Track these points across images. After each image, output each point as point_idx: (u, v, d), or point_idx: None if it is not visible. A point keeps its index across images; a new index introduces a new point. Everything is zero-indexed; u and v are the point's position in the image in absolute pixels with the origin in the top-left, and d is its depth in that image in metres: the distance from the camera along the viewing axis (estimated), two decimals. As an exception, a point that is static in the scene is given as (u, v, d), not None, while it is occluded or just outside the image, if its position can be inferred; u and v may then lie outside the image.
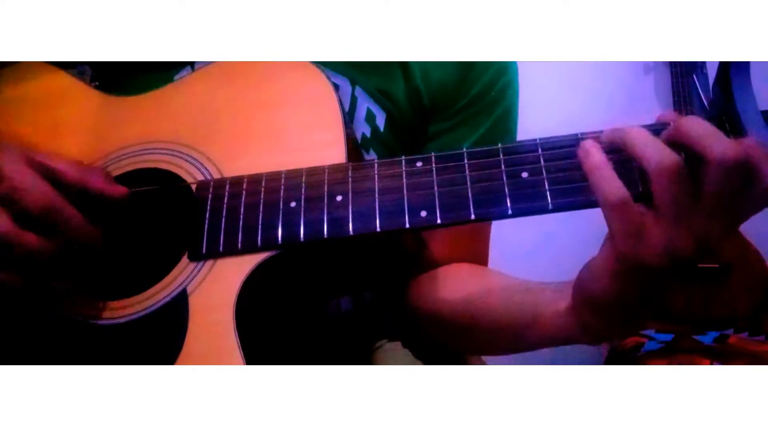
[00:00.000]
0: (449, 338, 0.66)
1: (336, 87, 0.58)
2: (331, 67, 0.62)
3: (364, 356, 0.71)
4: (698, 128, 0.41)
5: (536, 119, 1.01)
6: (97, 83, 0.64)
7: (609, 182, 0.41)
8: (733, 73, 0.43)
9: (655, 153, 0.41)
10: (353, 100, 0.65)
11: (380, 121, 0.66)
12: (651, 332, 1.53)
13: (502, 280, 0.62)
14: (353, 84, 0.65)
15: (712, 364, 1.38)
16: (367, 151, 0.65)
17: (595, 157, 0.42)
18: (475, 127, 0.69)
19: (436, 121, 0.69)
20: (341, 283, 0.67)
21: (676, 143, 0.41)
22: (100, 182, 0.53)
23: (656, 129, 0.44)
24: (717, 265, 1.57)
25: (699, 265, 1.58)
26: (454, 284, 0.64)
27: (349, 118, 0.62)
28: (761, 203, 0.41)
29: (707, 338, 1.50)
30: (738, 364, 1.37)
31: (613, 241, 0.43)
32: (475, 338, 0.62)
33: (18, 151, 0.50)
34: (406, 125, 0.67)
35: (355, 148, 0.57)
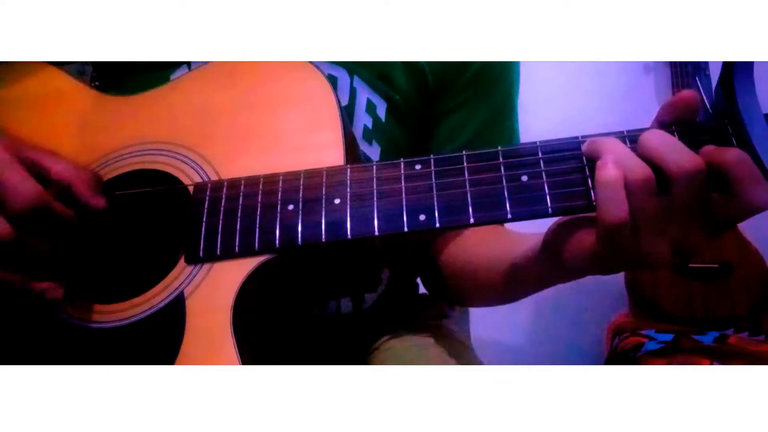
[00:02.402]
0: (459, 286, 0.68)
1: (334, 80, 0.57)
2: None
3: (364, 357, 0.71)
4: (657, 142, 0.42)
5: (536, 119, 1.01)
6: (97, 83, 0.64)
7: (614, 203, 0.41)
8: (736, 76, 0.43)
9: (626, 166, 0.41)
10: (352, 92, 0.65)
11: (381, 111, 0.66)
12: (651, 332, 1.53)
13: (504, 236, 0.66)
14: (351, 74, 0.65)
15: (712, 364, 1.38)
16: (370, 143, 0.65)
17: (610, 172, 0.42)
18: (481, 104, 0.69)
19: (442, 100, 0.69)
20: (339, 285, 0.66)
21: (643, 157, 0.42)
22: (85, 189, 0.52)
23: (634, 136, 0.44)
24: (717, 265, 1.57)
25: (699, 265, 1.58)
26: (467, 243, 0.68)
27: (349, 112, 0.62)
28: (741, 210, 0.41)
29: (707, 338, 1.50)
30: (738, 364, 1.37)
31: (597, 244, 0.44)
32: (474, 285, 0.65)
33: (6, 145, 0.50)
34: (408, 110, 0.67)
35: (353, 148, 0.57)
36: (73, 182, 0.52)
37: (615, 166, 0.42)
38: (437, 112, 0.69)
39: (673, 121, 0.45)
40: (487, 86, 0.69)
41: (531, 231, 0.55)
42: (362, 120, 0.65)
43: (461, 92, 0.69)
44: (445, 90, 0.68)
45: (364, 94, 0.65)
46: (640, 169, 0.41)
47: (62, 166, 0.52)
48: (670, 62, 1.69)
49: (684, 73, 1.64)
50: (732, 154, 0.41)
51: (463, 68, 0.68)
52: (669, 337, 1.50)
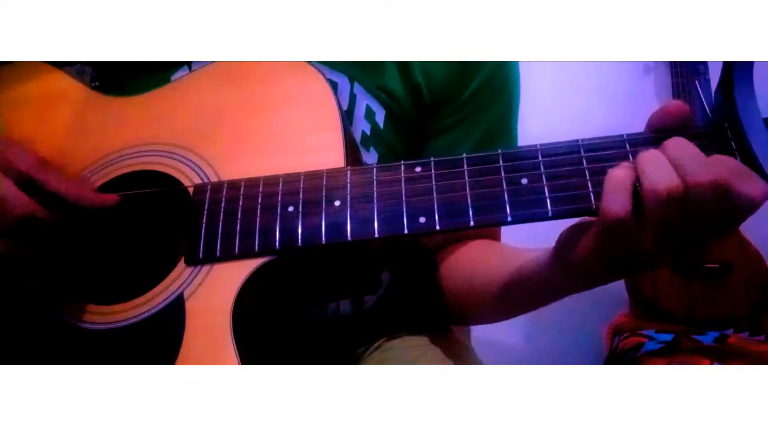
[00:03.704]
0: (459, 302, 0.68)
1: (334, 85, 0.57)
2: (329, 65, 0.62)
3: (363, 357, 0.71)
4: (677, 151, 0.42)
5: (536, 119, 1.01)
6: (97, 83, 0.64)
7: (615, 197, 0.42)
8: (735, 80, 0.43)
9: (655, 175, 0.41)
10: (352, 98, 0.65)
11: (380, 117, 0.66)
12: (651, 332, 1.53)
13: (501, 249, 0.66)
14: (352, 81, 0.65)
15: (712, 364, 1.38)
16: (368, 149, 0.65)
17: (621, 171, 0.43)
18: (477, 124, 0.69)
19: (438, 117, 0.69)
20: (339, 287, 0.66)
21: None
22: (89, 193, 0.54)
23: (633, 140, 0.45)
24: (717, 265, 1.57)
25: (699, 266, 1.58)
26: (467, 258, 0.68)
27: (348, 118, 0.62)
28: (736, 217, 0.42)
29: (707, 338, 1.50)
30: (738, 364, 1.37)
31: (596, 238, 0.44)
32: (475, 301, 0.65)
33: None
34: (407, 121, 0.67)
35: (353, 150, 0.57)
36: (73, 193, 0.53)
37: (627, 167, 0.42)
38: (432, 129, 0.69)
39: (663, 129, 0.45)
40: (483, 107, 0.69)
41: (530, 240, 0.56)
42: (361, 126, 0.65)
43: (457, 111, 0.68)
44: (440, 107, 0.68)
45: (363, 101, 0.65)
46: (666, 178, 0.41)
47: (57, 178, 0.52)
48: (670, 62, 1.69)
49: (684, 73, 1.65)
50: (714, 159, 0.41)
51: (459, 88, 0.68)
52: (669, 337, 1.50)
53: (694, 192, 0.41)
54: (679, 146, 0.43)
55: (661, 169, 0.42)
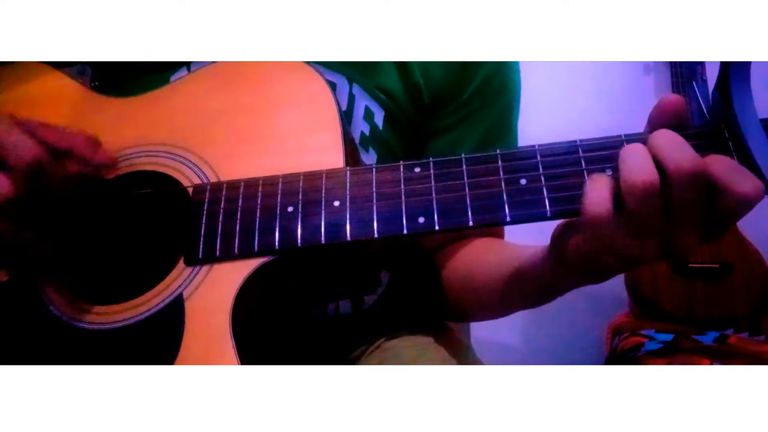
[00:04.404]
0: (460, 298, 0.69)
1: (333, 86, 0.57)
2: (328, 66, 0.62)
3: (363, 357, 0.71)
4: (661, 141, 0.42)
5: (536, 119, 1.01)
6: (96, 83, 0.64)
7: (593, 195, 0.42)
8: (732, 80, 0.43)
9: (632, 168, 0.41)
10: (351, 99, 0.65)
11: (379, 118, 0.66)
12: (651, 332, 1.53)
13: (501, 246, 0.66)
14: (351, 82, 0.65)
15: (712, 364, 1.38)
16: (366, 150, 0.65)
17: (600, 173, 0.43)
18: (477, 124, 0.69)
19: (438, 117, 0.69)
20: (339, 287, 0.66)
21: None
22: (87, 148, 0.52)
23: (633, 141, 0.44)
24: (717, 265, 1.57)
25: (699, 265, 1.58)
26: (468, 255, 0.68)
27: (347, 118, 0.62)
28: (731, 216, 0.41)
29: (707, 338, 1.50)
30: (738, 364, 1.37)
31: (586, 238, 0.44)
32: (475, 298, 0.65)
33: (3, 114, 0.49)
34: (406, 121, 0.67)
35: (353, 150, 0.57)
36: (74, 144, 0.51)
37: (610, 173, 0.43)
38: (432, 129, 0.69)
39: (664, 127, 0.45)
40: (483, 107, 0.69)
41: (529, 240, 0.56)
42: (359, 127, 0.65)
43: (457, 111, 0.68)
44: (440, 107, 0.68)
45: (362, 102, 0.65)
46: (643, 173, 0.41)
47: (60, 130, 0.51)
48: (670, 62, 1.69)
49: (682, 72, 1.65)
50: (709, 158, 0.41)
51: (459, 88, 0.68)
52: (669, 337, 1.50)
53: (674, 181, 0.40)
54: (662, 135, 0.42)
55: (639, 160, 0.41)
